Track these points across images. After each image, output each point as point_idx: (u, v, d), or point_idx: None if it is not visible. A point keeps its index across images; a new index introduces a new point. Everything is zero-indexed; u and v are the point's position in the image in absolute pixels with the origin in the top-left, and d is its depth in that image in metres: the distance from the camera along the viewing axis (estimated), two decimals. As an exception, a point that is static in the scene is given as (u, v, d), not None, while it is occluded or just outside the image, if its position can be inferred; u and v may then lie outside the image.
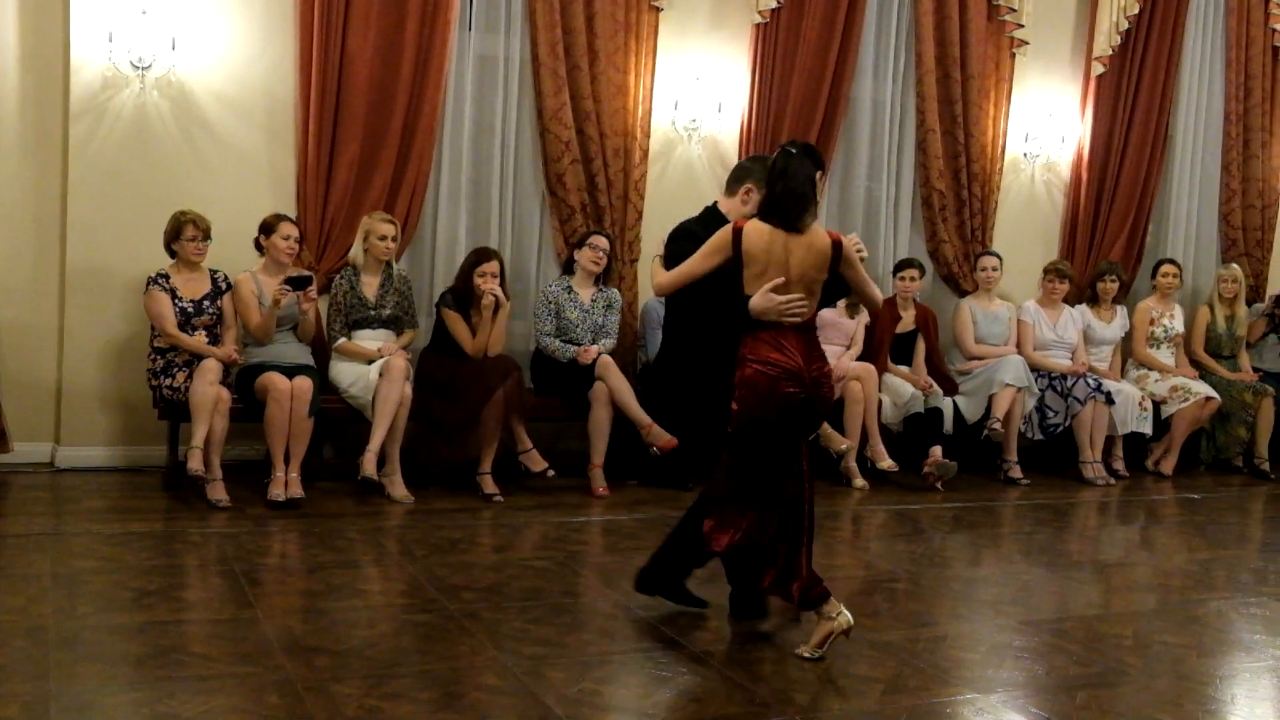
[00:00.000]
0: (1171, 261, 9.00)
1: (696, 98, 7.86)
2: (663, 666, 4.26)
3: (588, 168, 7.55)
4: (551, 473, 6.84)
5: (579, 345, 7.12)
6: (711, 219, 4.79)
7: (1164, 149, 9.23)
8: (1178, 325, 8.94)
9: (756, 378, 4.34)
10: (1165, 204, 9.33)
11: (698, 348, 4.75)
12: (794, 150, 4.45)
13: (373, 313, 6.82)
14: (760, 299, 4.32)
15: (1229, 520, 7.58)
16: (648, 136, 7.71)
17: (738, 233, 4.37)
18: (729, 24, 7.95)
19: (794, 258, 4.36)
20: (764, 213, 4.43)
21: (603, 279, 7.33)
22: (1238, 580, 6.06)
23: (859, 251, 4.57)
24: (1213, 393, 8.58)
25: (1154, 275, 9.00)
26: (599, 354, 7.05)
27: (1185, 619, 5.31)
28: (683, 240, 4.68)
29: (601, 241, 7.25)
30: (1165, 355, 8.87)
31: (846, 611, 4.43)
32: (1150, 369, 8.81)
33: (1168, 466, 8.58)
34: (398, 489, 6.56)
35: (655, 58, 7.68)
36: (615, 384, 6.97)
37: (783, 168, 4.40)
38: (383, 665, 4.08)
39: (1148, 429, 8.48)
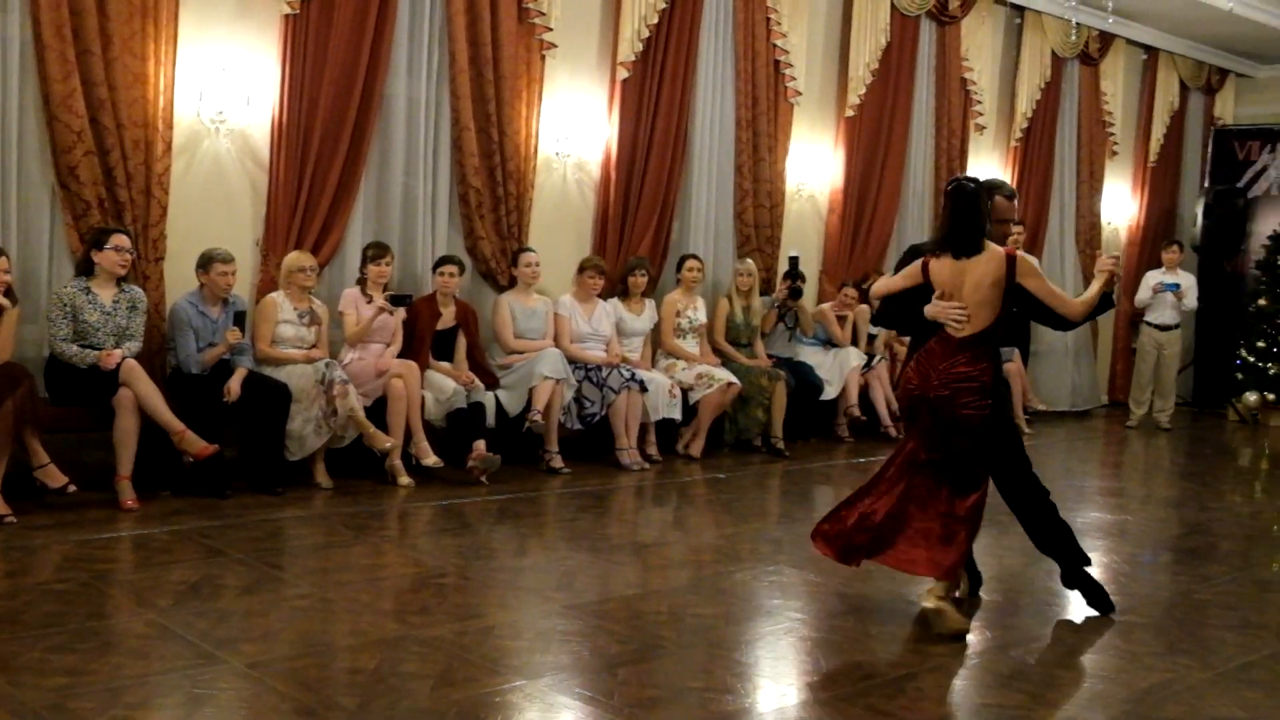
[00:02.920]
0: (694, 256, 9.56)
1: (223, 89, 7.51)
2: (204, 684, 4.05)
3: (104, 160, 7.03)
4: (73, 488, 6.32)
5: (100, 349, 6.63)
6: None
7: (684, 150, 9.77)
8: (701, 316, 9.51)
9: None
10: (687, 202, 9.89)
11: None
12: (953, 186, 5.17)
13: None
14: (930, 307, 5.16)
15: (751, 496, 8.16)
16: (170, 128, 7.28)
17: (926, 266, 5.18)
18: (256, 14, 7.66)
19: (968, 279, 5.09)
20: (939, 246, 5.17)
21: (124, 278, 6.87)
22: (759, 551, 6.52)
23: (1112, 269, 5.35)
24: (734, 379, 9.19)
25: (679, 270, 9.52)
26: (123, 358, 6.60)
27: (715, 591, 5.66)
28: (909, 255, 5.47)
29: (123, 241, 6.78)
30: (691, 345, 9.42)
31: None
32: (678, 358, 9.32)
33: (696, 449, 9.11)
34: (-112, 516, 5.86)
35: (176, 45, 7.26)
36: (142, 390, 6.56)
37: (946, 206, 5.17)
38: (-128, 714, 3.62)
39: (677, 414, 8.96)
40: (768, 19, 10.15)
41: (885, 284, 5.47)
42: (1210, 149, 14.90)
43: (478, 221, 8.58)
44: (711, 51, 9.86)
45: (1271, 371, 13.06)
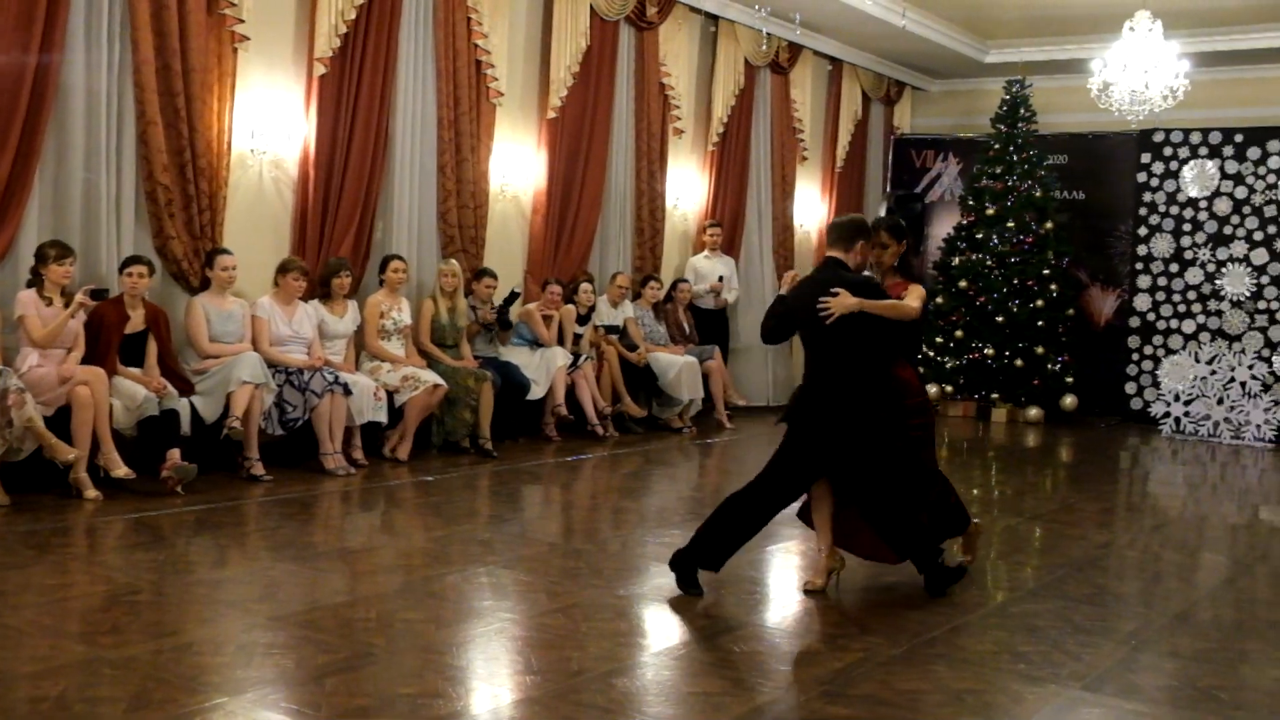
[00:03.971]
0: (398, 257, 9.41)
1: (-125, 74, 6.90)
2: None
3: None
4: None
5: None
6: (839, 266, 5.92)
7: (385, 150, 9.60)
8: (405, 318, 9.37)
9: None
10: (390, 202, 9.72)
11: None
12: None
13: None
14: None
15: (460, 498, 8.10)
16: None
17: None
18: (-88, -7, 7.05)
19: None
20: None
21: None
22: (470, 553, 6.48)
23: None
24: (440, 380, 9.11)
25: (383, 270, 9.36)
26: None
27: (425, 594, 5.59)
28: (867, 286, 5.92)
29: None
30: (395, 346, 9.28)
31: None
32: (382, 360, 9.16)
33: (403, 452, 8.97)
34: None
35: None
36: None
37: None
38: None
39: (383, 417, 8.80)
40: (468, 19, 10.09)
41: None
42: (891, 156, 15.84)
43: (167, 221, 8.18)
44: (411, 49, 9.73)
45: (949, 366, 13.96)
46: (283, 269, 8.63)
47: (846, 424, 5.70)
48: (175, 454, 7.42)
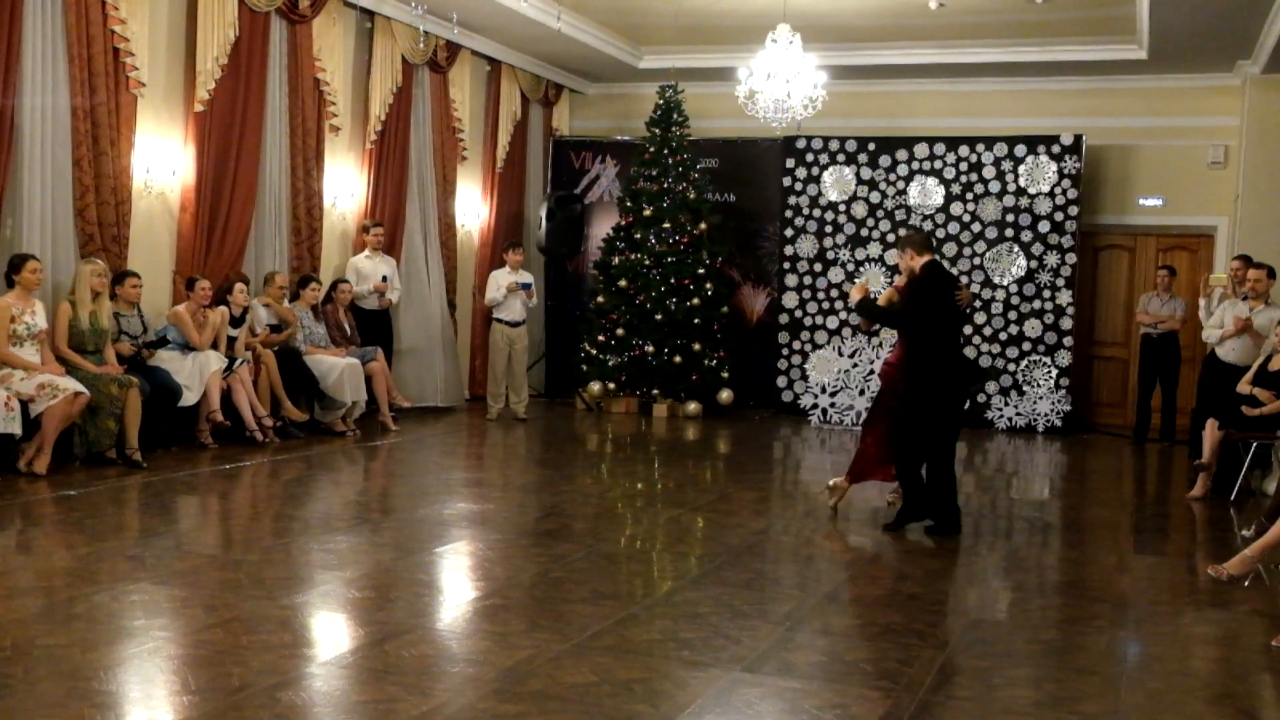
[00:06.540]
0: (33, 257, 8.73)
1: None
2: None
3: None
4: None
5: None
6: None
7: (12, 142, 8.87)
8: (41, 321, 8.72)
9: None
10: (19, 198, 8.99)
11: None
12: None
13: None
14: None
15: (107, 512, 7.62)
16: None
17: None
18: None
19: None
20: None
21: None
22: (118, 570, 6.10)
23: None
24: (82, 388, 8.53)
25: (16, 272, 8.65)
26: None
27: (69, 617, 5.23)
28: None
29: None
30: (30, 353, 8.61)
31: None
32: (14, 367, 8.49)
33: (41, 465, 8.35)
34: None
35: None
36: None
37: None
38: None
39: (17, 429, 8.17)
40: (104, 2, 9.48)
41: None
42: (550, 157, 16.03)
43: None
44: (38, 34, 9.00)
45: (611, 363, 14.25)
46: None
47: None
48: None
